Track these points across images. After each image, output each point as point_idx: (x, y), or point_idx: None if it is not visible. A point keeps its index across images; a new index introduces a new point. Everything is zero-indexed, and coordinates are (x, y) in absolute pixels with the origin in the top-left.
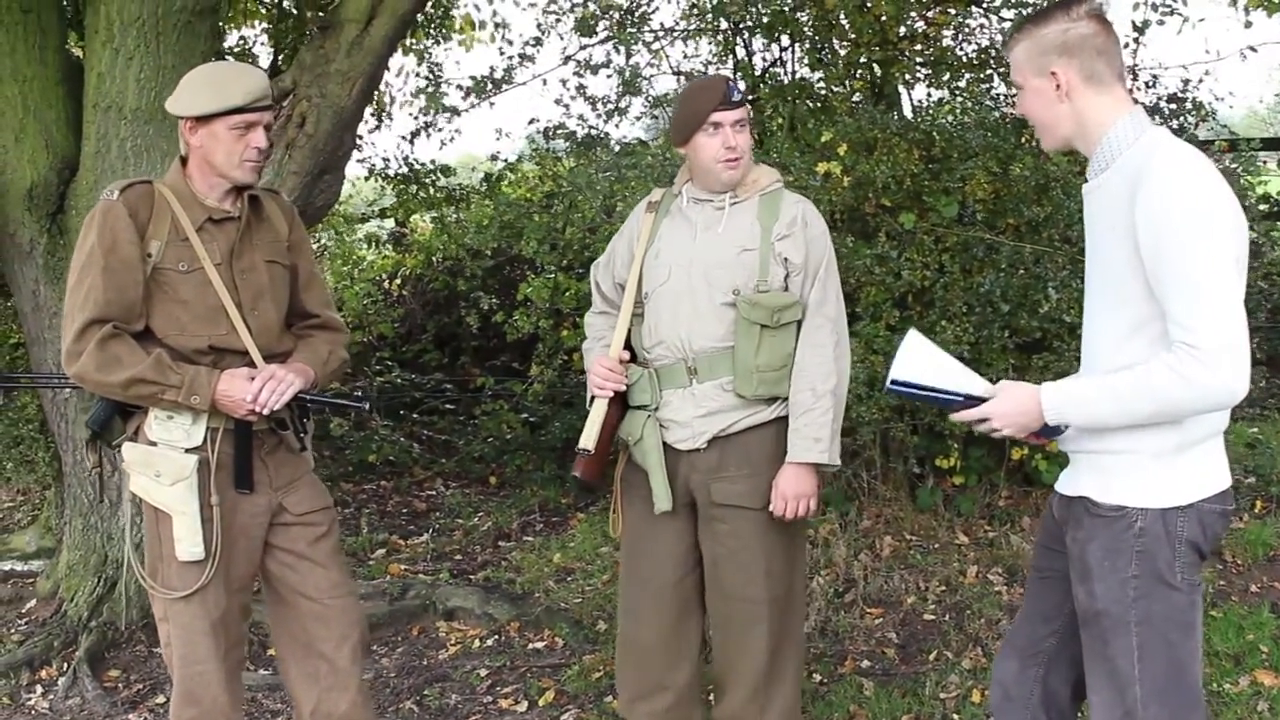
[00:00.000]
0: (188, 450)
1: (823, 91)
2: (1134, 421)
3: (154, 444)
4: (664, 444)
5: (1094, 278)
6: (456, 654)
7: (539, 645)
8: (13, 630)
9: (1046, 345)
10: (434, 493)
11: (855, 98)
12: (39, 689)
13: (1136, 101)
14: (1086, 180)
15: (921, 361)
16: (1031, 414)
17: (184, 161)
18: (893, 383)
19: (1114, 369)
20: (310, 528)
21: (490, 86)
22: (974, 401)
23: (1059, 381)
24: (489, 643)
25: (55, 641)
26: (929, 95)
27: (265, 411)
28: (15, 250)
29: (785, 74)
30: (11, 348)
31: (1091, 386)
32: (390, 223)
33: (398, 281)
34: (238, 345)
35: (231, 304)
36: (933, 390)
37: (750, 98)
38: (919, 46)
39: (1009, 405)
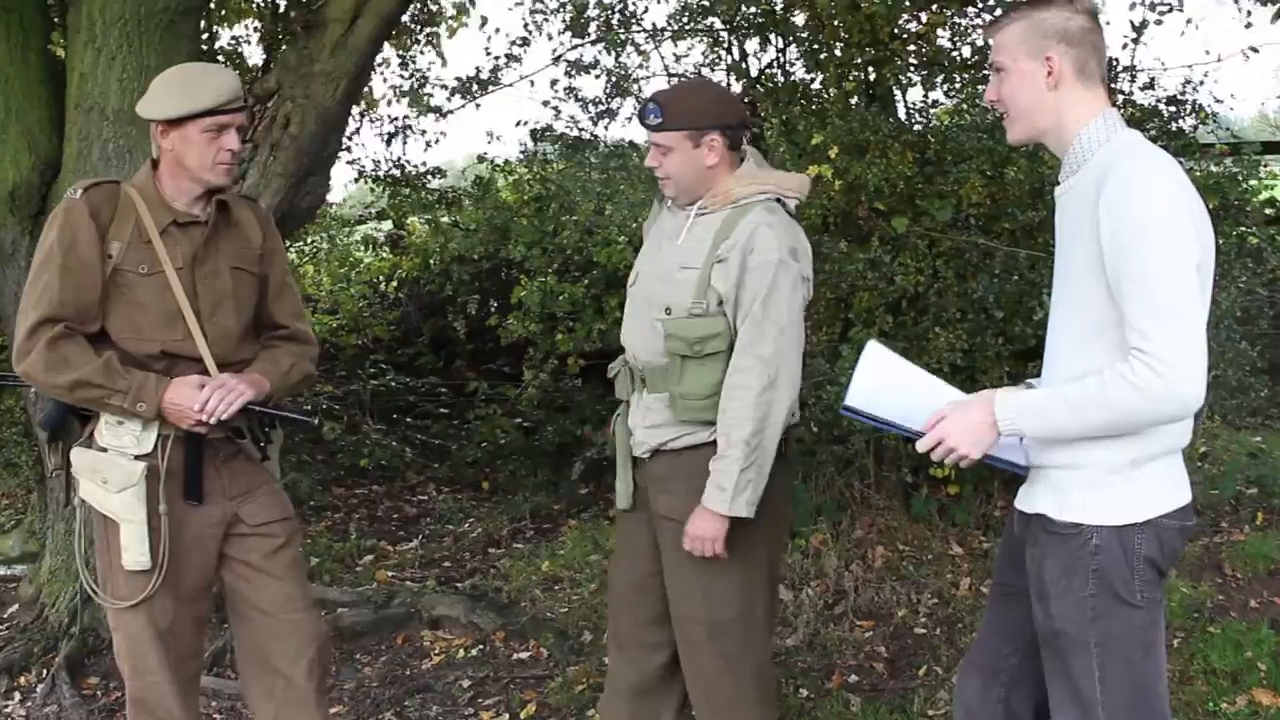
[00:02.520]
0: (137, 457)
1: (818, 94)
2: (1089, 432)
3: (104, 450)
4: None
5: (1059, 282)
6: (440, 663)
7: (524, 655)
8: None
9: (1041, 353)
10: (425, 498)
11: (851, 100)
12: (17, 696)
13: (1125, 104)
14: (1058, 183)
15: (884, 378)
16: (984, 425)
17: (155, 164)
18: (844, 408)
19: (1072, 375)
20: (266, 539)
21: (476, 87)
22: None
23: (1010, 389)
24: (474, 652)
25: (35, 647)
26: (924, 97)
27: (212, 420)
28: None
29: (780, 76)
30: None
31: (1044, 396)
32: (388, 224)
33: (394, 284)
34: (192, 352)
35: (189, 309)
36: (885, 421)
37: (744, 99)
38: (913, 47)
39: (960, 421)
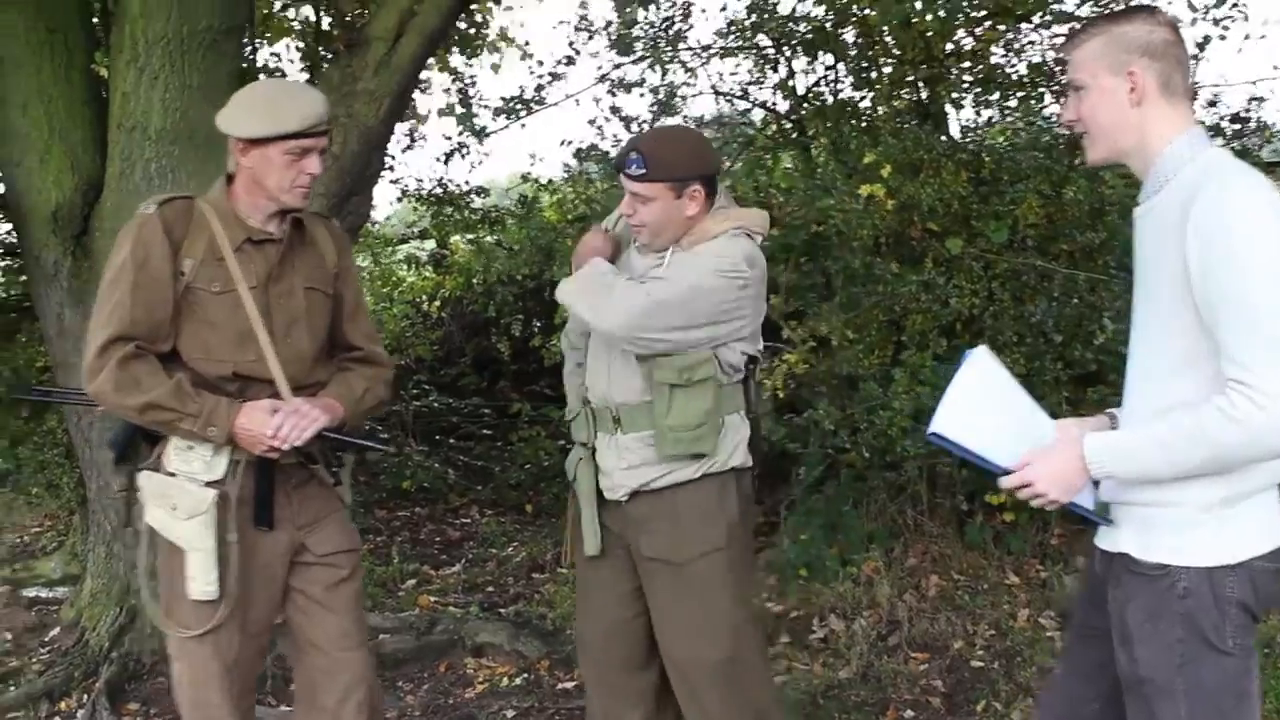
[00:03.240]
0: (207, 483)
1: (868, 112)
2: (1183, 472)
3: (173, 474)
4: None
5: (1141, 309)
6: (484, 692)
7: (569, 685)
8: (34, 659)
9: (1102, 378)
10: (468, 520)
11: (900, 118)
12: None
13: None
14: (1139, 203)
15: (981, 396)
16: (1073, 470)
17: (230, 179)
18: (933, 435)
19: (1160, 410)
20: (331, 569)
21: (520, 106)
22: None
23: (1101, 433)
24: (518, 681)
25: (76, 672)
26: (977, 115)
27: (285, 447)
28: (40, 273)
29: (828, 94)
30: (39, 371)
31: (1134, 436)
32: (430, 243)
33: (437, 303)
34: (264, 374)
35: (262, 329)
36: (971, 453)
37: (792, 118)
38: (967, 64)
39: (1050, 467)
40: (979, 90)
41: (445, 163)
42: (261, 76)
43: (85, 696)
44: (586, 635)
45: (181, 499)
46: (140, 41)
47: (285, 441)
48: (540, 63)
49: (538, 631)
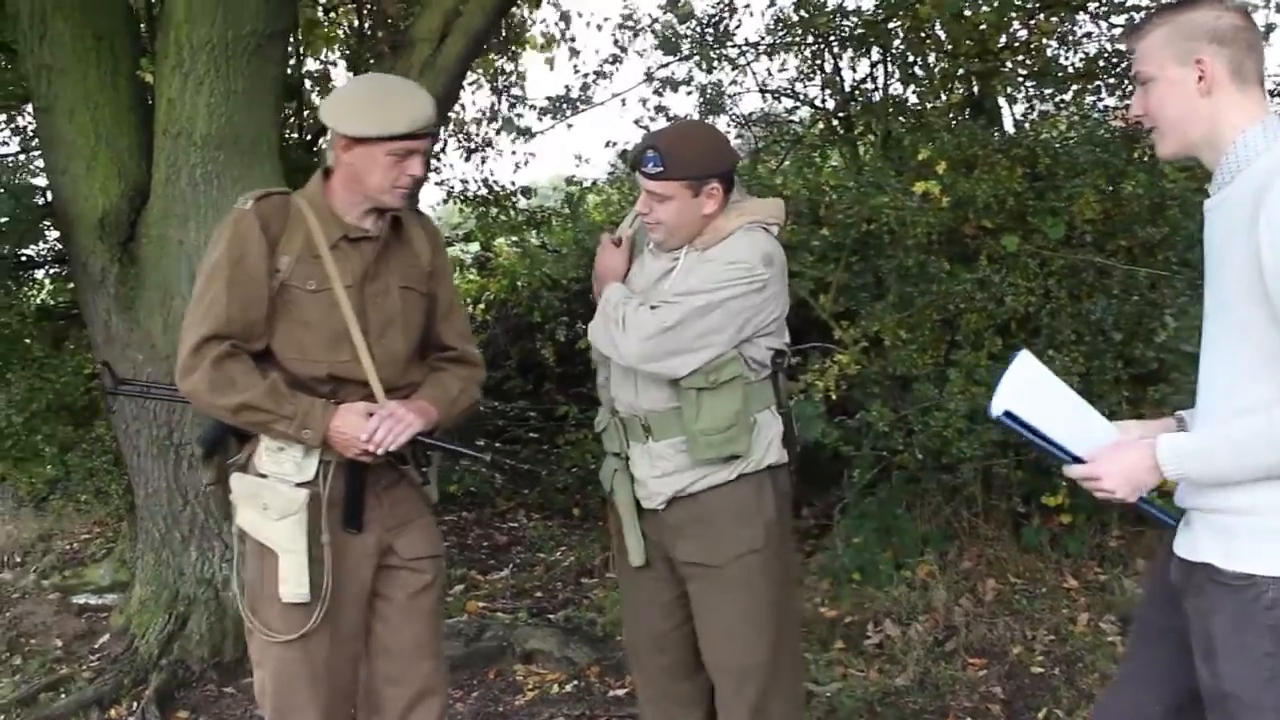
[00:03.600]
0: (298, 484)
1: (917, 107)
2: (1257, 474)
3: (264, 476)
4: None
5: (1212, 305)
6: (534, 700)
7: (620, 692)
8: (84, 666)
9: (1163, 376)
10: (516, 524)
11: (952, 113)
12: None
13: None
14: (1209, 195)
15: (1033, 392)
16: (1144, 470)
17: (326, 174)
18: (1006, 414)
19: (1234, 411)
20: (415, 575)
21: (566, 107)
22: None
23: (1174, 434)
24: (568, 688)
25: (125, 679)
26: (1030, 108)
27: (380, 451)
28: (87, 280)
29: (876, 90)
30: (88, 378)
31: (1208, 438)
32: (475, 246)
33: (481, 306)
34: (358, 375)
35: (357, 329)
36: (1043, 437)
37: (839, 115)
38: (1021, 57)
39: (1121, 464)
40: (1034, 83)
41: (475, 160)
42: (307, 83)
43: (135, 704)
44: (635, 645)
45: (273, 500)
46: (185, 47)
47: (380, 446)
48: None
49: (587, 638)
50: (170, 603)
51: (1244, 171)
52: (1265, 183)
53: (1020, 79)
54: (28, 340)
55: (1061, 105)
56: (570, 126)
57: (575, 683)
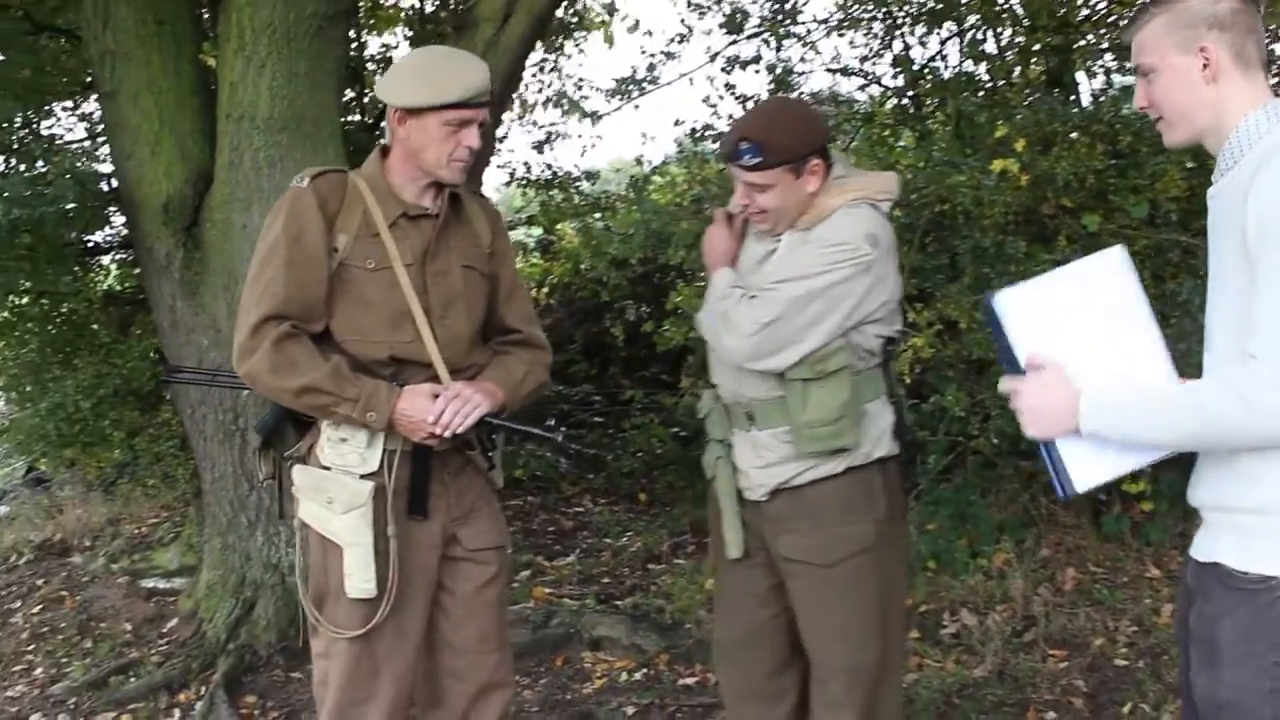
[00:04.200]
0: (363, 476)
1: (989, 84)
2: (1175, 443)
3: (326, 468)
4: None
5: (1212, 291)
6: (602, 687)
7: (690, 681)
8: (153, 650)
9: None
10: (581, 509)
11: (1028, 89)
12: (177, 713)
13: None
14: (1212, 183)
15: (1092, 294)
16: (1062, 412)
17: (384, 152)
18: (991, 302)
19: None
20: (481, 567)
21: (633, 87)
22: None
23: (1104, 385)
24: (637, 676)
25: (194, 664)
26: (1109, 83)
27: (447, 434)
28: (152, 265)
29: (945, 67)
30: (154, 363)
31: (1138, 393)
32: (539, 230)
33: (545, 290)
34: (421, 356)
35: (419, 308)
36: (1004, 338)
37: (909, 94)
38: (1102, 30)
39: (1041, 396)
40: (1114, 57)
41: (541, 149)
42: (370, 65)
43: (203, 688)
44: (726, 639)
45: (337, 492)
46: (247, 30)
47: (447, 428)
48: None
49: (656, 625)
50: (237, 587)
51: (1246, 157)
52: (1258, 167)
53: (1101, 52)
54: (95, 326)
55: None
56: (637, 108)
57: (644, 670)
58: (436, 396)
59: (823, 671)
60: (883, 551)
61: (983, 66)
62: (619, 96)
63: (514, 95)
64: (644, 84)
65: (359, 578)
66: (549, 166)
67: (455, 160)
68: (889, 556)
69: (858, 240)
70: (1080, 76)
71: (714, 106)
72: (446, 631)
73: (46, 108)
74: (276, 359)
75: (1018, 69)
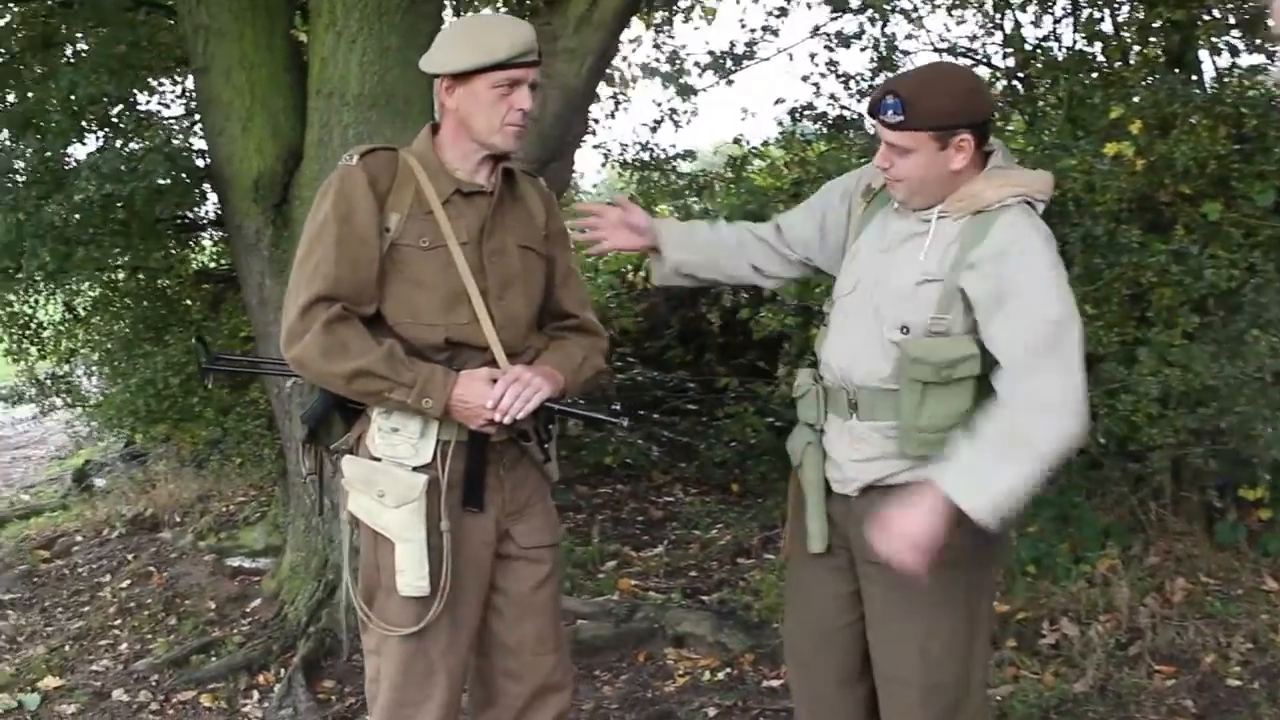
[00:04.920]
0: (415, 468)
1: (1104, 65)
2: None
3: (377, 459)
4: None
5: None
6: (684, 686)
7: (775, 683)
8: (235, 630)
9: None
10: (672, 499)
11: (1146, 68)
12: (255, 695)
13: None
14: None
15: None
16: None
17: (435, 130)
18: None
19: None
20: (534, 565)
21: (730, 63)
22: None
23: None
24: (720, 676)
25: (274, 645)
26: (1234, 62)
27: (507, 420)
28: (242, 242)
29: (1059, 47)
30: (243, 341)
31: None
32: None
33: (642, 274)
34: (478, 339)
35: (475, 289)
36: None
37: (1019, 75)
38: (1229, 4)
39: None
40: (1241, 34)
41: (654, 126)
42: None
43: (282, 670)
44: (796, 639)
45: (390, 485)
46: (338, 4)
47: (507, 414)
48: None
49: (742, 623)
50: (319, 570)
51: None
52: None
53: (1227, 28)
54: (188, 302)
55: (1273, 58)
56: (731, 83)
57: (728, 670)
58: (495, 381)
59: (895, 687)
60: (974, 562)
61: (1098, 46)
62: (715, 72)
63: (609, 72)
64: (742, 59)
65: (411, 574)
66: (644, 146)
67: (508, 125)
68: (980, 567)
69: (1054, 254)
70: (1203, 55)
71: (815, 85)
72: (500, 632)
73: (145, 83)
74: (327, 342)
75: (1136, 48)
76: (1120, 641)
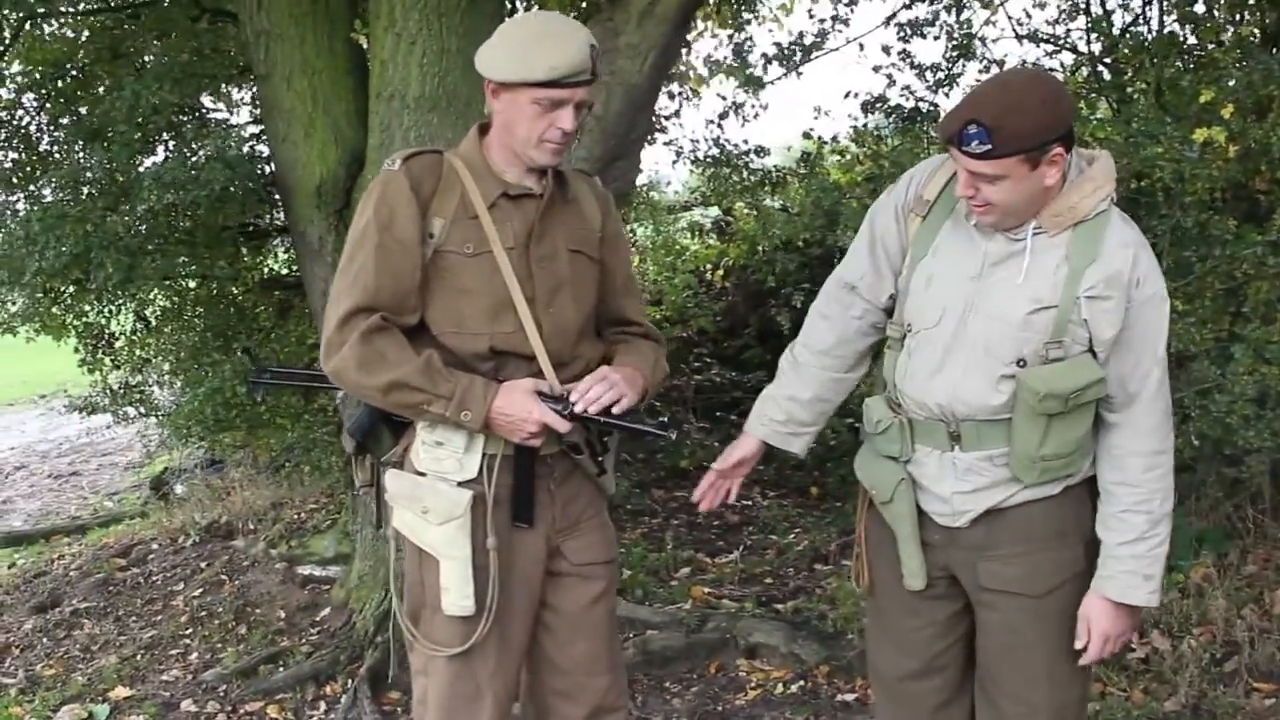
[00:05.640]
0: (460, 484)
1: (1196, 48)
2: None
3: (422, 474)
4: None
5: None
6: (756, 699)
7: (849, 697)
8: (303, 640)
9: None
10: (749, 503)
11: (1240, 49)
12: (322, 705)
13: None
14: None
15: None
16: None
17: (484, 130)
18: None
19: None
20: (588, 583)
21: (799, 53)
22: None
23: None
24: (793, 689)
25: (342, 655)
26: None
27: (594, 410)
28: (305, 249)
29: (1148, 31)
30: (310, 348)
31: None
32: (715, 210)
33: (720, 272)
34: (523, 348)
35: (521, 296)
36: None
37: (1106, 60)
38: None
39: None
40: None
41: (719, 121)
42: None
43: (350, 681)
44: (888, 671)
45: (434, 501)
46: (397, 6)
47: (594, 405)
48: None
49: (817, 633)
50: (386, 579)
51: None
52: None
53: None
54: (258, 310)
55: None
56: (800, 75)
57: (801, 683)
58: (538, 393)
59: (1021, 709)
60: (1089, 576)
61: (1189, 29)
62: (782, 64)
63: (677, 67)
64: (811, 51)
65: (457, 593)
66: (716, 142)
67: (546, 142)
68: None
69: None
70: None
71: (888, 75)
72: (551, 651)
73: (214, 91)
74: (365, 353)
75: (1230, 30)
76: (1215, 657)
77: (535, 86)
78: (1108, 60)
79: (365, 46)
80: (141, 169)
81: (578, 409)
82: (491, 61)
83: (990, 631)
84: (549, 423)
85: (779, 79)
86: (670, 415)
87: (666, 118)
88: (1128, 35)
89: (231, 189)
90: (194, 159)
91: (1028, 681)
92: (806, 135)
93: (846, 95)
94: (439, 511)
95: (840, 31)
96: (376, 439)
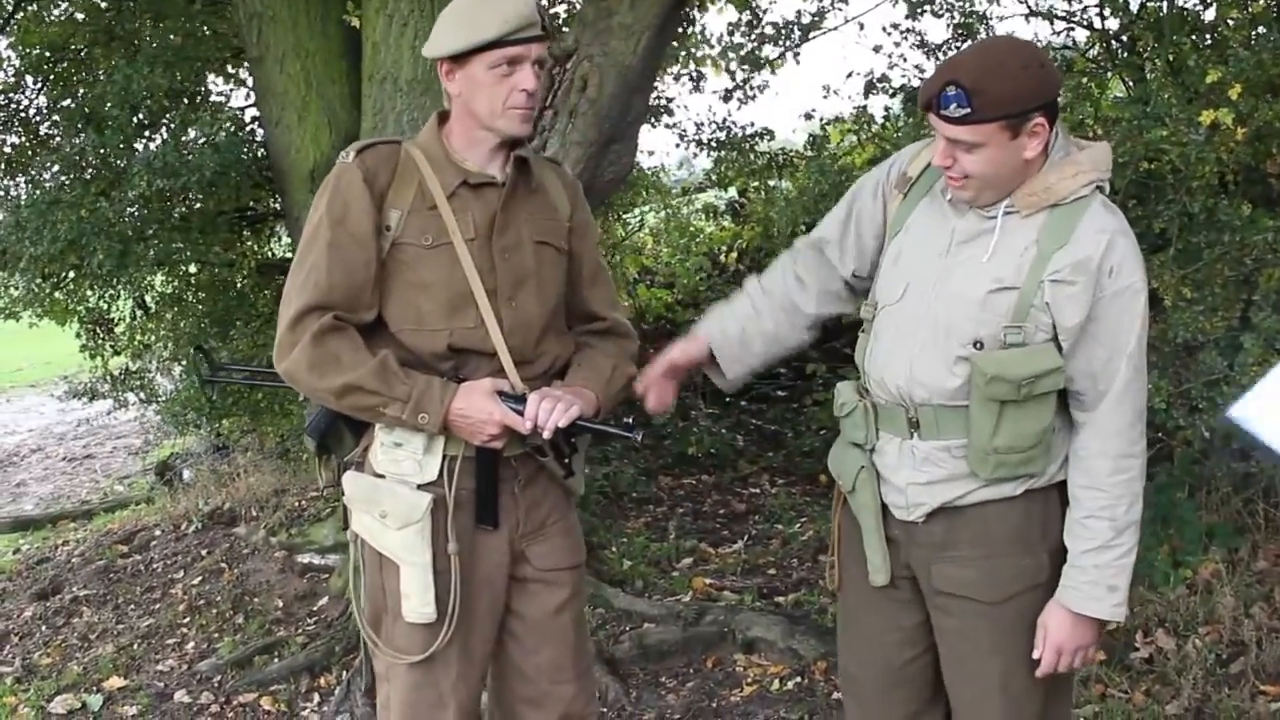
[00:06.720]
0: (420, 486)
1: (1213, 25)
2: None
3: (381, 476)
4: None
5: None
6: (752, 695)
7: None
8: (300, 630)
9: None
10: (757, 490)
11: (1253, 25)
12: (315, 698)
13: None
14: None
15: None
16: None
17: (443, 119)
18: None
19: None
20: (552, 589)
21: (796, 31)
22: None
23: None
24: (789, 685)
25: (337, 646)
26: None
27: (545, 434)
28: (300, 233)
29: (1163, 7)
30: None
31: None
32: (732, 191)
33: (734, 255)
34: (484, 345)
35: (482, 289)
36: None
37: (1121, 38)
38: None
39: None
40: None
41: (725, 101)
42: None
43: (344, 673)
44: (857, 677)
45: (392, 505)
46: None
47: (546, 428)
48: None
49: (815, 628)
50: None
51: None
52: None
53: None
54: (256, 295)
55: None
56: (797, 55)
57: (798, 679)
58: (500, 393)
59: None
60: (1054, 586)
61: (1208, 6)
62: (777, 44)
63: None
64: (809, 30)
65: (417, 600)
66: (720, 124)
67: (512, 108)
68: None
69: (1143, 276)
70: None
71: (892, 55)
72: (517, 658)
73: (217, 72)
74: (317, 355)
75: (1247, 5)
76: (1221, 657)
77: (489, 49)
78: (1124, 37)
79: (359, 29)
80: (138, 154)
81: (545, 435)
82: (439, 40)
83: (945, 640)
84: (510, 424)
85: (778, 57)
86: (679, 401)
87: (670, 99)
88: (1145, 12)
89: (222, 173)
90: (183, 144)
91: (981, 694)
92: (807, 116)
93: (849, 75)
94: (397, 515)
95: (840, 9)
96: (337, 439)
